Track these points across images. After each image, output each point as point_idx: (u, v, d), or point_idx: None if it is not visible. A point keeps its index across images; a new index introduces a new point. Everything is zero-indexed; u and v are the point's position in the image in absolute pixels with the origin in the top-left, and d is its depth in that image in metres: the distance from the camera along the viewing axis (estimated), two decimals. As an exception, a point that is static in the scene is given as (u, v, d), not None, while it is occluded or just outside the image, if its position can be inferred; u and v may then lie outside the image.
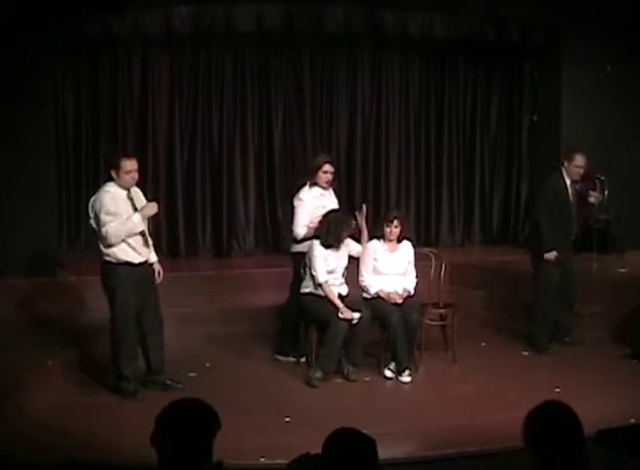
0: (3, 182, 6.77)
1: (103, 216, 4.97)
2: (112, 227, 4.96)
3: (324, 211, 5.77)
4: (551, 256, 6.00)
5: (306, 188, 5.95)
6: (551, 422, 2.41)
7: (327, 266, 5.65)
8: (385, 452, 2.64)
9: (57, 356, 5.41)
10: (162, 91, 8.32)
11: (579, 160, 6.02)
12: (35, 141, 6.91)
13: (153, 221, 5.36)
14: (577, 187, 6.12)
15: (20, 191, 6.80)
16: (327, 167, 5.92)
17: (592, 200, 6.09)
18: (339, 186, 8.69)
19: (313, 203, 5.89)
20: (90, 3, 7.14)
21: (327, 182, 5.94)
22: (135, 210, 5.10)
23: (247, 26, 7.64)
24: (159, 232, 7.46)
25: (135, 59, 8.24)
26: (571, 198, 6.08)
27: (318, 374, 5.47)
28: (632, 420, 4.22)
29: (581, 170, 6.05)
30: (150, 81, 8.28)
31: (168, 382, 5.34)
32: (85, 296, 6.59)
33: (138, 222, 5.03)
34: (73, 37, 7.42)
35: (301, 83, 8.67)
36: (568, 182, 6.07)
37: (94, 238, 7.68)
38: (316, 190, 5.94)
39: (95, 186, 8.01)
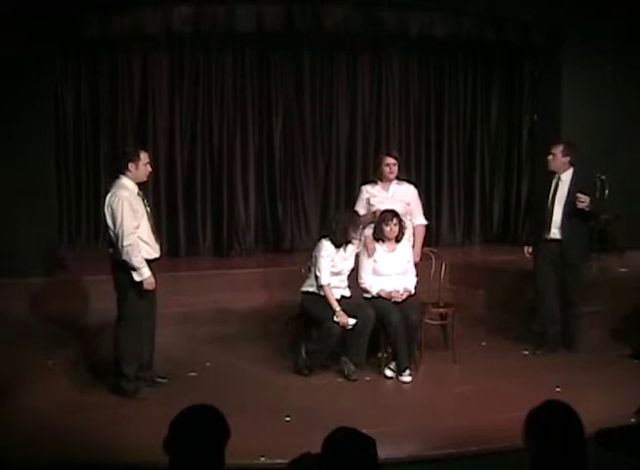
0: (3, 182, 6.77)
1: (125, 228, 4.94)
2: (132, 250, 4.94)
3: (383, 207, 5.87)
4: (524, 249, 6.21)
5: (368, 184, 6.15)
6: (551, 422, 2.41)
7: (333, 268, 5.66)
8: (385, 452, 2.65)
9: (57, 356, 5.41)
10: (162, 91, 8.31)
11: (552, 147, 5.98)
12: (35, 141, 6.92)
13: (153, 221, 5.35)
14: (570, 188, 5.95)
15: (20, 191, 6.80)
16: (388, 160, 6.03)
17: (582, 205, 5.73)
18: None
19: (367, 195, 6.06)
20: (90, 3, 7.13)
21: (391, 173, 6.02)
22: (146, 209, 5.16)
23: (247, 26, 7.62)
24: (159, 232, 7.44)
25: (135, 59, 8.22)
26: (551, 193, 5.96)
27: (308, 363, 5.65)
28: (632, 420, 4.22)
29: (551, 158, 5.93)
30: (150, 81, 8.28)
31: (158, 379, 5.36)
32: (85, 296, 6.59)
33: (145, 272, 5.01)
34: (73, 37, 7.41)
35: (301, 83, 8.66)
36: (556, 177, 5.97)
37: (100, 237, 7.85)
38: (376, 186, 6.07)
39: (95, 186, 8.11)
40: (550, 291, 6.08)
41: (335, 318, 5.51)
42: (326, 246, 5.66)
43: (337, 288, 5.70)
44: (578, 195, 5.74)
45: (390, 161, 6.02)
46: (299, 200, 8.73)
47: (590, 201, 5.75)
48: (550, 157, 5.97)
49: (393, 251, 5.82)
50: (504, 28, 8.27)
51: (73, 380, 5.33)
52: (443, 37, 8.21)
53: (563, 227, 5.93)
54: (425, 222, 6.29)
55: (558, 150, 5.94)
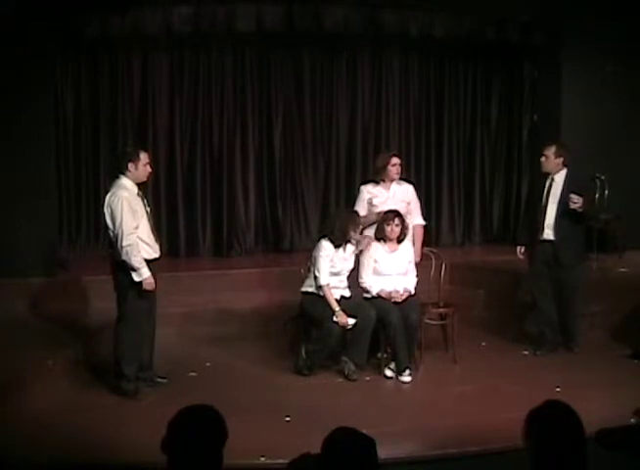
0: (3, 182, 6.77)
1: (125, 228, 4.93)
2: (131, 250, 4.93)
3: (386, 207, 5.87)
4: (517, 250, 6.22)
5: (369, 184, 6.13)
6: (552, 422, 2.41)
7: (332, 268, 5.66)
8: (385, 452, 2.65)
9: (57, 356, 5.42)
10: (162, 91, 8.31)
11: (545, 149, 5.94)
12: (35, 141, 6.92)
13: (153, 221, 5.35)
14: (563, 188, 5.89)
15: (20, 191, 6.80)
16: (395, 160, 6.03)
17: (574, 206, 5.69)
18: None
19: (368, 195, 6.05)
20: (90, 3, 7.14)
21: (397, 174, 6.05)
22: (146, 209, 5.15)
23: (247, 26, 7.63)
24: (159, 232, 7.45)
25: (135, 59, 8.22)
26: (545, 194, 5.91)
27: (308, 363, 5.64)
28: (632, 420, 4.22)
29: (544, 159, 5.89)
30: (150, 81, 8.27)
31: (158, 380, 5.37)
32: (85, 296, 6.60)
33: (144, 273, 5.00)
34: (73, 37, 7.41)
35: (301, 83, 8.66)
36: (550, 178, 5.92)
37: (100, 237, 7.86)
38: (378, 186, 6.06)
39: (95, 186, 8.11)
40: (545, 292, 6.06)
41: (334, 318, 5.51)
42: (325, 246, 5.66)
43: (336, 288, 5.70)
44: (571, 195, 5.70)
45: (397, 161, 6.05)
46: (299, 200, 8.73)
47: (583, 201, 5.69)
48: (543, 158, 5.94)
49: (395, 251, 5.82)
50: (504, 28, 8.27)
51: (73, 380, 5.34)
52: (443, 37, 8.21)
53: (556, 228, 5.89)
54: (423, 222, 6.29)
55: (550, 151, 5.91)
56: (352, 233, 5.68)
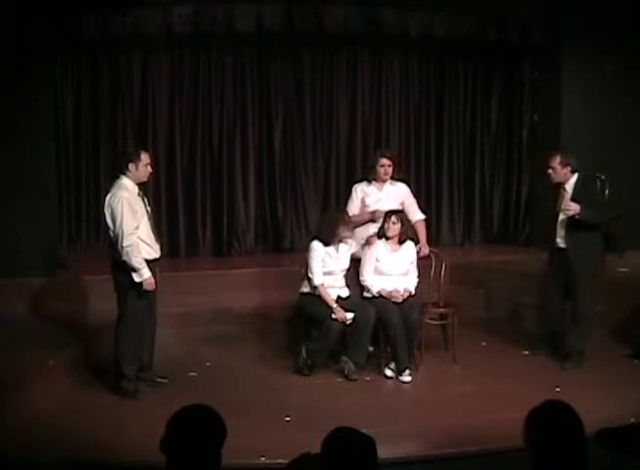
0: (3, 182, 6.77)
1: (125, 228, 4.93)
2: (132, 251, 4.93)
3: (380, 207, 5.88)
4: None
5: (362, 183, 6.13)
6: (552, 422, 2.41)
7: (324, 268, 5.67)
8: (385, 452, 2.65)
9: (58, 356, 5.42)
10: (162, 91, 8.32)
11: (550, 160, 5.78)
12: (35, 141, 6.92)
13: (154, 221, 5.35)
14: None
15: (20, 191, 6.80)
16: (383, 161, 6.01)
17: (569, 213, 5.59)
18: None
19: (361, 195, 6.06)
20: (90, 3, 7.14)
21: (385, 175, 6.02)
22: (146, 209, 5.15)
23: (247, 26, 7.63)
24: (159, 232, 7.45)
25: (135, 59, 8.22)
26: (558, 201, 5.78)
27: (309, 362, 5.64)
28: (632, 420, 4.22)
29: (551, 171, 5.75)
30: (150, 81, 8.28)
31: (158, 380, 5.37)
32: (85, 296, 6.60)
33: (145, 273, 5.01)
34: (73, 37, 7.41)
35: (301, 83, 8.67)
36: (562, 187, 5.78)
37: (100, 237, 7.85)
38: (370, 185, 6.07)
39: (95, 186, 8.11)
40: (552, 295, 6.01)
41: (333, 315, 5.52)
42: (314, 247, 5.68)
43: (331, 288, 5.70)
44: (568, 203, 5.61)
45: (386, 161, 6.02)
46: (299, 200, 8.73)
47: (581, 208, 5.53)
48: (550, 171, 5.78)
49: (397, 251, 5.82)
50: (504, 28, 8.27)
51: (73, 380, 5.34)
52: (443, 37, 8.21)
53: (567, 237, 5.79)
54: (423, 216, 6.28)
55: (556, 162, 5.74)
56: (343, 232, 5.67)
